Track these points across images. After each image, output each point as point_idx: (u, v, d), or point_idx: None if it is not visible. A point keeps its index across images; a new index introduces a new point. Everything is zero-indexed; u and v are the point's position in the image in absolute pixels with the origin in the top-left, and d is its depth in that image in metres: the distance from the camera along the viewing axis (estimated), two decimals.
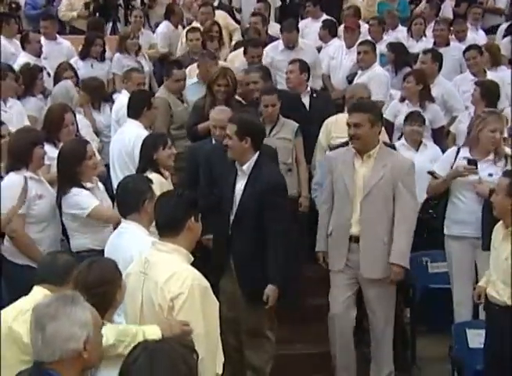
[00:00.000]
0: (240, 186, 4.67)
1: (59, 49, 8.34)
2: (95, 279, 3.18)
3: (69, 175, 4.62)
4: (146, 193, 4.03)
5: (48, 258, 3.62)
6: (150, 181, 4.22)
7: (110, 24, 9.87)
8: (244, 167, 4.64)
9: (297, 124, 5.79)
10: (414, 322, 5.44)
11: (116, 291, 3.22)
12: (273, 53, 7.70)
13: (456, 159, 5.21)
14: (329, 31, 8.52)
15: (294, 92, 6.45)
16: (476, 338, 4.72)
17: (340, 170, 4.85)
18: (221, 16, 9.12)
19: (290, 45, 7.69)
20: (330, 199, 4.93)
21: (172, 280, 3.24)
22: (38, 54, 7.79)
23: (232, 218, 4.68)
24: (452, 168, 5.17)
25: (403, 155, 5.41)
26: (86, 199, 4.58)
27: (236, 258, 4.70)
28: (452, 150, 5.40)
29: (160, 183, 4.67)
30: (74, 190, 4.57)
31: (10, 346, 3.18)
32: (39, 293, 3.32)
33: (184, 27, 9.30)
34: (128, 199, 4.04)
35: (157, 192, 4.53)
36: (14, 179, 4.63)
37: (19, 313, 3.22)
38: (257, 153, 4.65)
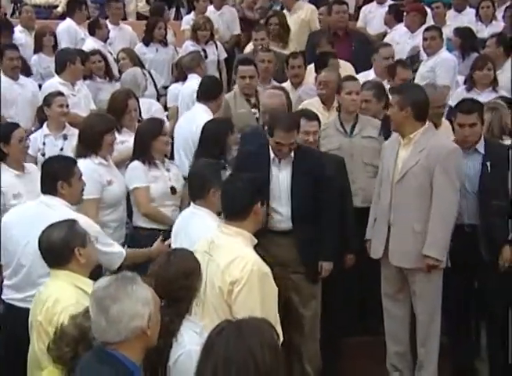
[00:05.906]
0: (284, 176, 4.53)
1: (123, 35, 8.44)
2: (178, 272, 3.05)
3: (144, 149, 4.75)
4: (214, 182, 4.03)
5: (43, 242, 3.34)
6: (224, 168, 4.23)
7: (174, 9, 9.92)
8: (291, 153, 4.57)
9: (379, 121, 5.32)
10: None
11: (199, 281, 3.14)
12: None
13: None
14: (394, 16, 8.37)
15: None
16: None
17: (387, 155, 4.66)
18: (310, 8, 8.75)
19: None
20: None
21: (233, 264, 3.29)
22: (105, 39, 7.93)
23: (284, 209, 4.53)
24: None
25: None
26: None
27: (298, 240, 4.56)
28: None
29: None
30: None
31: None
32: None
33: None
34: (197, 185, 4.06)
35: None
36: (84, 166, 4.64)
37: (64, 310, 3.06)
38: None
